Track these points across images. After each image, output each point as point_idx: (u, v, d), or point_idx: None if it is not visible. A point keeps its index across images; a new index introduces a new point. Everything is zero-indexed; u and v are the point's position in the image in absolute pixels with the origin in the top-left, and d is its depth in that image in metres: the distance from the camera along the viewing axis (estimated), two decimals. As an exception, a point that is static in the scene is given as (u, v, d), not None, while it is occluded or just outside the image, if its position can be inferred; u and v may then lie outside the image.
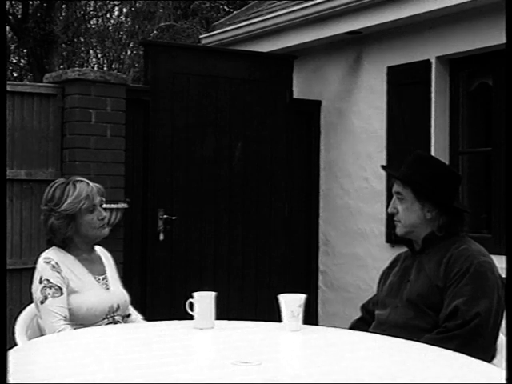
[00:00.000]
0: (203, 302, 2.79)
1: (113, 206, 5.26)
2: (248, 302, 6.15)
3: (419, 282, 2.93)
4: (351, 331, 3.03)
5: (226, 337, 2.74)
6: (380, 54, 6.17)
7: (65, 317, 3.10)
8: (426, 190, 2.99)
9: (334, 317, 6.48)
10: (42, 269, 3.18)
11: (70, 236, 3.27)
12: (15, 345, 2.72)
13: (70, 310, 3.14)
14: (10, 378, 1.95)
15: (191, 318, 2.83)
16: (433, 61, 5.75)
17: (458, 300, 2.79)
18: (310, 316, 6.21)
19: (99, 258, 3.40)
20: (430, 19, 5.68)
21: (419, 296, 2.89)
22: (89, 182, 3.33)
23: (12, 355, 2.18)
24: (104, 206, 5.19)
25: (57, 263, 3.18)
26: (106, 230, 3.36)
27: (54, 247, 3.29)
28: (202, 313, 2.79)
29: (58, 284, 3.13)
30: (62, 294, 3.12)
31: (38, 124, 5.44)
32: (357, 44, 6.34)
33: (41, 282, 3.14)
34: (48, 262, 3.18)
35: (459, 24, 5.54)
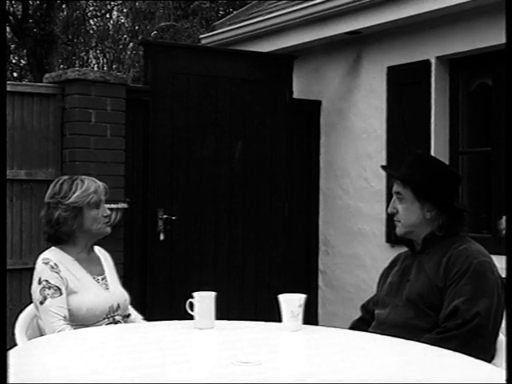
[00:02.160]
0: (203, 302, 2.79)
1: (113, 206, 5.26)
2: (248, 302, 6.14)
3: (419, 282, 2.93)
4: (351, 331, 3.03)
5: (225, 337, 2.74)
6: (380, 54, 6.17)
7: (64, 317, 3.10)
8: (425, 190, 2.99)
9: (333, 317, 6.48)
10: (41, 269, 3.18)
11: (74, 230, 3.26)
12: (15, 345, 2.72)
13: (69, 310, 3.14)
14: (10, 378, 1.95)
15: (191, 317, 2.83)
16: (433, 61, 5.75)
17: (457, 300, 2.79)
18: (310, 316, 6.21)
19: (98, 258, 3.40)
20: (430, 19, 5.68)
21: (419, 296, 2.89)
22: (96, 180, 3.36)
23: (12, 355, 2.18)
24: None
25: (55, 264, 3.18)
26: (109, 229, 3.37)
27: (52, 248, 3.30)
28: (201, 313, 2.79)
29: (57, 284, 3.13)
30: (61, 294, 3.12)
31: (38, 124, 5.45)
32: (357, 44, 6.34)
33: (40, 283, 3.14)
34: (47, 263, 3.18)
35: (459, 24, 5.54)
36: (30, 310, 3.28)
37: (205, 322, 2.79)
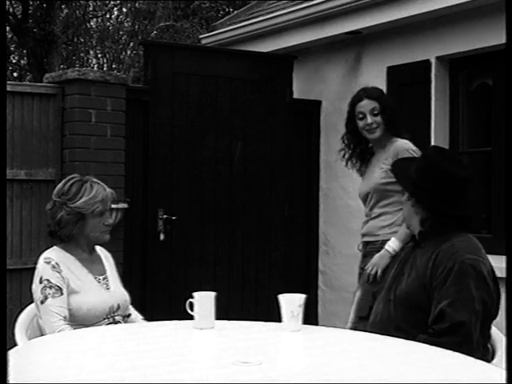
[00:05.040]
0: (203, 302, 2.79)
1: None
2: (248, 302, 6.14)
3: (410, 280, 2.96)
4: (351, 331, 3.04)
5: (226, 337, 2.74)
6: (380, 54, 6.17)
7: (65, 317, 3.10)
8: (408, 186, 3.06)
9: (333, 317, 6.48)
10: (42, 269, 3.18)
11: (74, 234, 3.27)
12: (15, 345, 2.72)
13: (70, 310, 3.14)
14: (10, 377, 1.95)
15: (191, 317, 2.83)
16: (433, 61, 5.75)
17: (443, 302, 2.81)
18: (310, 316, 6.21)
19: (99, 258, 3.40)
20: (429, 19, 5.68)
21: (407, 294, 2.93)
22: (105, 186, 3.35)
23: (12, 355, 2.18)
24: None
25: (57, 263, 3.18)
26: (107, 237, 3.37)
27: (54, 247, 3.30)
28: (202, 313, 2.79)
29: (58, 284, 3.14)
30: (62, 294, 3.13)
31: (38, 124, 5.45)
32: (357, 44, 6.34)
33: (41, 282, 3.15)
34: (48, 262, 3.19)
35: (459, 24, 5.54)
36: (30, 309, 3.28)
37: (205, 322, 2.79)
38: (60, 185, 3.33)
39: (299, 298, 2.75)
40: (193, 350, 2.64)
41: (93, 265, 3.33)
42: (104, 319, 3.21)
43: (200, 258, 5.98)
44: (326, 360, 2.40)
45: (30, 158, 5.40)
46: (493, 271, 2.92)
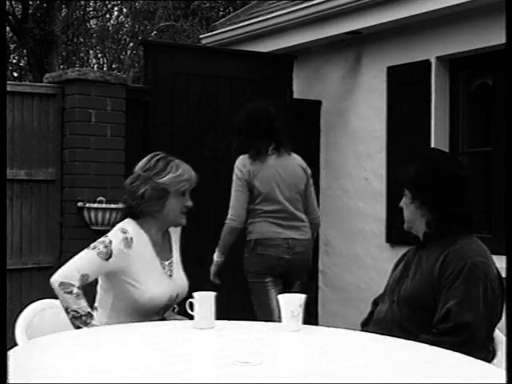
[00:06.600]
0: (203, 302, 2.79)
1: (113, 206, 5.26)
2: (248, 302, 6.13)
3: (415, 281, 2.94)
4: (351, 331, 3.04)
5: (225, 337, 2.74)
6: (380, 54, 6.17)
7: (84, 276, 2.99)
8: (411, 187, 3.04)
9: (333, 317, 6.48)
10: (115, 233, 3.10)
11: (153, 211, 3.18)
12: (15, 345, 2.72)
13: (131, 297, 3.10)
14: (10, 377, 1.95)
15: (191, 318, 2.83)
16: (433, 61, 5.76)
17: (450, 302, 2.79)
18: (310, 316, 6.21)
19: (170, 240, 3.33)
20: (429, 19, 5.69)
21: (411, 295, 2.91)
22: (190, 167, 3.30)
23: (12, 355, 2.18)
24: (104, 205, 5.16)
25: (131, 238, 3.11)
26: (184, 220, 3.33)
27: (129, 220, 3.19)
28: (202, 313, 2.79)
29: (114, 252, 3.04)
30: (106, 260, 3.03)
31: (38, 124, 5.45)
32: (357, 44, 6.35)
33: (105, 237, 3.08)
34: (124, 233, 3.11)
35: (459, 24, 5.55)
36: (30, 309, 3.27)
37: (205, 322, 2.78)
38: (145, 160, 3.27)
39: (299, 298, 2.75)
40: (193, 350, 2.64)
41: (162, 248, 3.25)
42: (157, 313, 3.16)
43: (200, 258, 5.97)
44: (325, 360, 2.40)
45: (30, 158, 5.40)
46: (499, 274, 2.91)
